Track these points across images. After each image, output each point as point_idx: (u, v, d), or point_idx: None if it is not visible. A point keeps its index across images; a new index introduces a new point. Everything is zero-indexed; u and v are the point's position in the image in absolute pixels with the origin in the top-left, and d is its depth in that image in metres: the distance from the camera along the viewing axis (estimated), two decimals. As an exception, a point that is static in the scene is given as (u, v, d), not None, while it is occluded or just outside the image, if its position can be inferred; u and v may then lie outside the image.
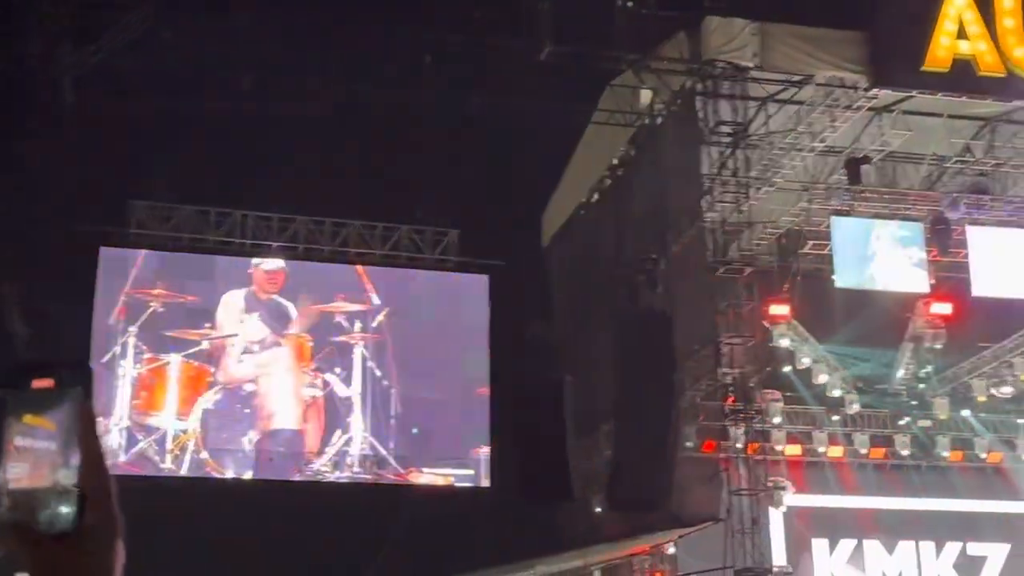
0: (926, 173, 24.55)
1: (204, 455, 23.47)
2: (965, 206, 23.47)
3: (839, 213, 23.07)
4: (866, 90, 21.23)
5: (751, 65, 21.16)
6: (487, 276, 25.05)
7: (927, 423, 25.69)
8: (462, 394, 24.67)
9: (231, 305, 24.20)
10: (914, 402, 25.66)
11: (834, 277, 22.85)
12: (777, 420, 23.79)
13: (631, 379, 20.66)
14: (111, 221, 23.70)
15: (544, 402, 21.35)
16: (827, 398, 25.06)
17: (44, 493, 1.46)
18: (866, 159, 22.67)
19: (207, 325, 24.04)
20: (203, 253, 24.20)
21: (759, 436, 21.19)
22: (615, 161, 25.32)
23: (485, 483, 24.31)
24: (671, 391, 20.89)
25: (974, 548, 25.42)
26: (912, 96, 21.81)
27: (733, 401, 21.11)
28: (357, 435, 24.20)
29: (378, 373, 24.48)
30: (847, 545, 24.84)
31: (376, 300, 24.79)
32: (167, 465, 23.33)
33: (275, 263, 24.47)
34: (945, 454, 25.62)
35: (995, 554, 25.53)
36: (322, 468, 24.10)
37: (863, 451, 25.46)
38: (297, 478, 24.04)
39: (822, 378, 24.70)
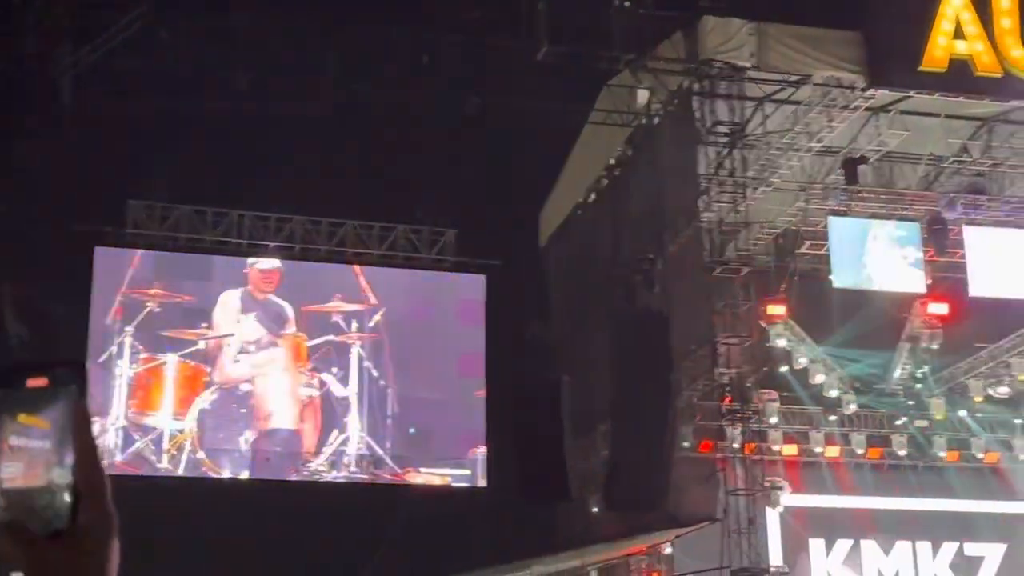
0: (923, 173, 24.56)
1: (200, 455, 23.47)
2: (962, 206, 23.48)
3: (836, 213, 23.08)
4: (863, 90, 21.23)
5: (748, 65, 21.16)
6: (484, 276, 25.07)
7: (924, 423, 25.71)
8: (459, 394, 24.68)
9: (227, 305, 24.21)
10: (911, 402, 25.68)
11: (831, 277, 22.86)
12: (774, 420, 23.81)
13: (628, 379, 20.66)
14: (108, 221, 23.71)
15: (541, 402, 21.36)
16: (824, 398, 25.07)
17: (39, 492, 1.46)
18: (863, 159, 22.67)
19: (204, 325, 24.05)
20: (200, 253, 24.21)
21: (756, 436, 21.20)
22: (612, 161, 25.31)
23: (482, 483, 24.33)
24: (668, 391, 20.90)
25: (971, 548, 25.44)
26: (909, 96, 21.82)
27: (730, 401, 21.12)
28: (354, 435, 24.20)
29: (375, 373, 24.49)
30: (844, 545, 24.85)
31: (373, 300, 24.79)
32: (163, 465, 23.34)
33: (270, 262, 24.47)
34: (942, 454, 25.63)
35: (992, 554, 25.55)
36: (319, 468, 24.10)
37: (860, 451, 25.47)
38: (294, 478, 24.04)
39: (819, 378, 24.72)
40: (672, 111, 22.75)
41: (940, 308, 24.22)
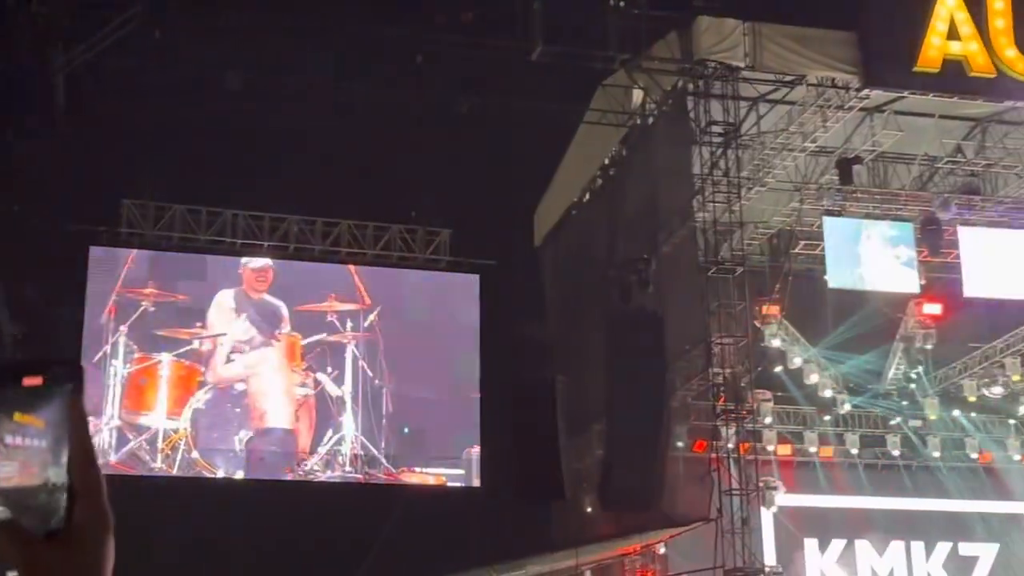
0: (917, 173, 24.59)
1: (195, 455, 23.46)
2: (956, 206, 23.50)
3: (831, 213, 23.09)
4: (857, 90, 21.25)
5: (742, 65, 21.17)
6: (478, 276, 25.08)
7: (918, 423, 25.75)
8: (454, 394, 24.69)
9: (222, 304, 24.19)
10: (905, 402, 25.71)
11: (826, 277, 22.88)
12: (768, 420, 23.84)
13: (622, 379, 20.67)
14: (102, 220, 23.69)
15: (536, 402, 21.35)
16: (818, 398, 25.11)
17: (34, 491, 1.46)
18: (857, 159, 22.69)
19: (198, 324, 24.03)
20: (194, 252, 24.19)
21: (750, 436, 21.19)
22: (607, 161, 25.32)
23: (476, 483, 24.33)
24: (662, 391, 20.91)
25: (965, 548, 25.49)
26: (903, 96, 21.84)
27: (724, 401, 21.12)
28: (349, 435, 24.19)
29: (370, 373, 24.49)
30: (838, 545, 24.89)
31: (368, 300, 24.79)
32: (158, 465, 23.31)
33: (262, 261, 24.45)
34: (936, 454, 25.68)
35: (985, 554, 25.59)
36: (313, 468, 24.10)
37: (854, 451, 25.52)
38: (288, 478, 24.03)
39: (813, 378, 24.76)
40: (667, 111, 22.76)
41: (934, 308, 24.26)
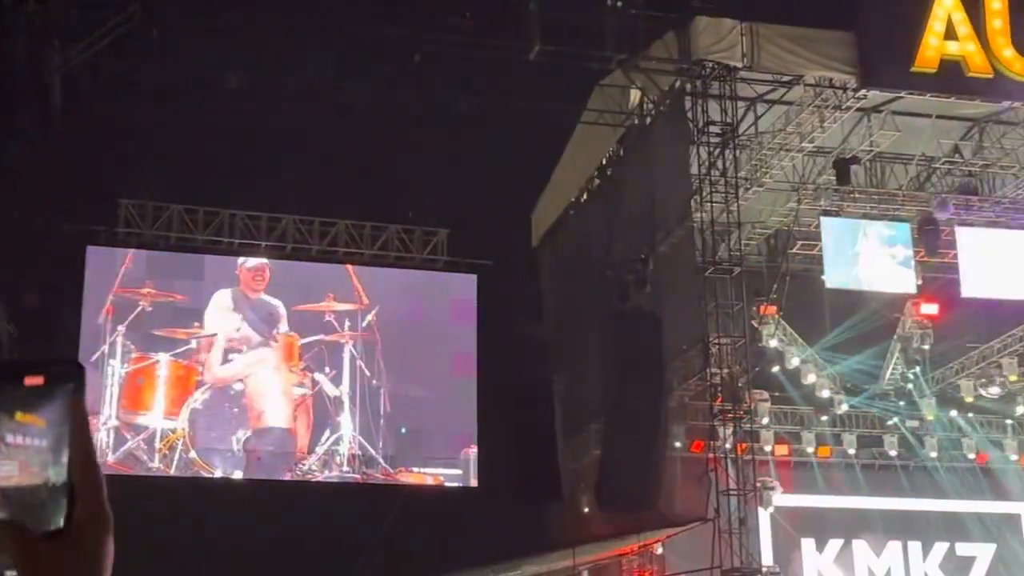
0: (915, 174, 24.62)
1: (192, 455, 23.45)
2: (954, 207, 23.52)
3: (828, 213, 23.10)
4: (855, 91, 21.26)
5: (740, 65, 21.18)
6: (476, 276, 25.07)
7: (915, 423, 25.76)
8: (451, 394, 24.67)
9: (219, 304, 24.18)
10: (902, 402, 25.72)
11: (824, 278, 22.89)
12: (765, 420, 23.85)
13: (620, 379, 20.68)
14: (100, 220, 23.66)
15: (533, 402, 21.39)
16: (815, 398, 25.12)
17: (34, 490, 1.46)
18: (855, 159, 22.72)
19: (195, 324, 24.02)
20: (192, 252, 24.18)
21: (747, 436, 21.20)
22: (604, 161, 25.34)
23: (474, 483, 24.32)
24: (660, 391, 20.93)
25: (962, 548, 25.51)
26: (901, 97, 21.86)
27: (721, 401, 21.13)
28: (346, 434, 24.19)
29: (367, 372, 24.48)
30: (835, 545, 24.91)
31: (366, 300, 24.78)
32: (155, 464, 23.30)
33: (258, 260, 24.44)
34: (933, 454, 25.69)
35: (982, 554, 25.61)
36: (311, 468, 24.09)
37: (851, 451, 25.53)
38: (286, 478, 24.03)
39: (810, 378, 24.77)
40: (664, 111, 22.77)
41: (931, 308, 24.27)
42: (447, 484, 24.42)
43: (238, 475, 23.75)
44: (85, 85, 20.60)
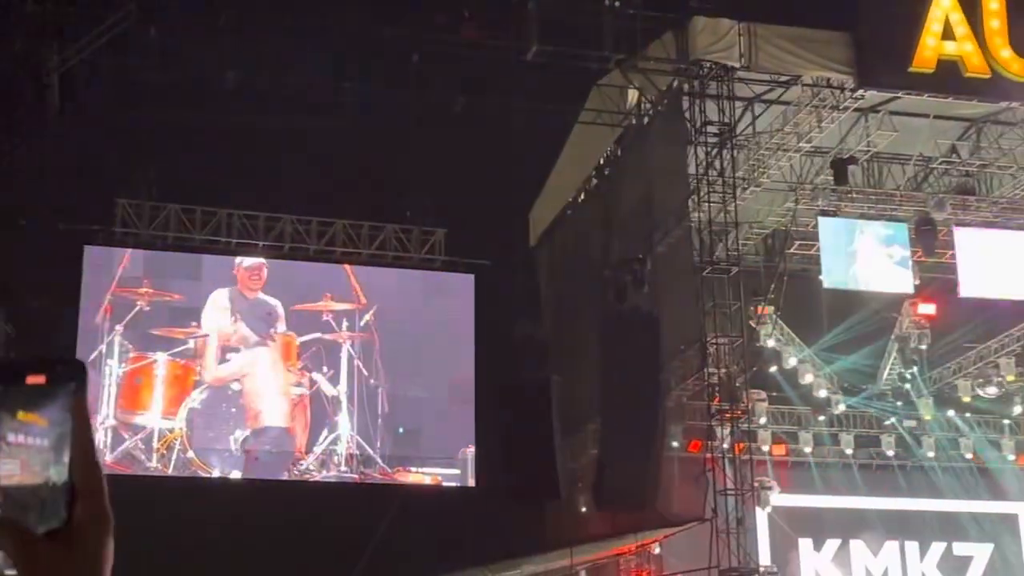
0: (912, 174, 24.63)
1: (190, 454, 23.44)
2: (951, 207, 23.54)
3: (825, 213, 23.12)
4: (853, 91, 21.27)
5: (738, 65, 21.19)
6: (473, 276, 25.07)
7: (912, 423, 25.77)
8: (449, 394, 24.68)
9: (217, 304, 24.17)
10: (899, 402, 25.74)
11: (821, 277, 22.90)
12: (763, 420, 23.85)
13: (617, 378, 20.67)
14: (97, 220, 23.65)
15: (531, 402, 21.35)
16: (813, 398, 25.13)
17: (35, 489, 1.46)
18: (852, 159, 22.73)
19: (193, 324, 24.01)
20: (189, 252, 24.16)
21: (745, 436, 21.21)
22: (602, 161, 25.34)
23: (472, 482, 24.32)
24: (657, 391, 20.92)
25: (959, 548, 25.52)
26: (898, 97, 21.87)
27: (719, 401, 21.14)
28: (344, 434, 24.19)
29: (365, 372, 24.47)
30: (832, 545, 24.91)
31: (363, 299, 24.78)
32: (153, 464, 23.29)
33: (255, 260, 24.43)
34: (930, 454, 25.70)
35: (979, 554, 25.62)
36: (309, 467, 24.09)
37: (848, 451, 25.54)
38: (284, 477, 24.02)
39: (808, 378, 24.78)
40: (662, 111, 22.77)
41: (929, 308, 24.28)
42: (445, 484, 24.42)
43: (236, 475, 23.74)
44: (83, 84, 20.59)
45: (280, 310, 24.40)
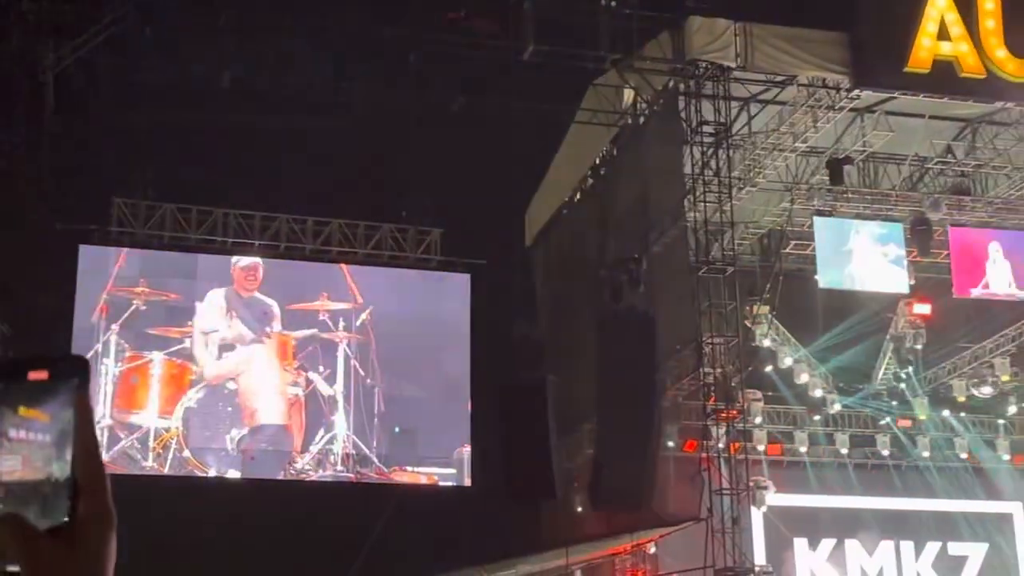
0: (907, 174, 24.65)
1: (186, 454, 23.42)
2: (946, 207, 23.56)
3: (821, 213, 23.14)
4: (848, 91, 21.28)
5: (734, 65, 21.19)
6: (469, 275, 25.07)
7: (907, 423, 25.80)
8: (445, 393, 24.67)
9: (213, 303, 24.16)
10: (895, 402, 25.76)
11: (817, 277, 22.92)
12: (758, 420, 23.87)
13: (613, 378, 20.67)
14: (93, 219, 23.63)
15: (527, 401, 21.33)
16: (808, 398, 25.15)
17: (37, 485, 1.46)
18: (848, 159, 22.74)
19: (189, 323, 23.99)
20: (185, 251, 24.15)
21: (740, 436, 21.21)
22: (598, 160, 25.34)
23: (468, 482, 24.32)
24: (653, 390, 20.90)
25: (954, 548, 25.55)
26: (894, 97, 21.88)
27: (714, 401, 21.15)
28: (340, 434, 24.18)
29: (361, 372, 24.47)
30: (827, 544, 24.93)
31: (360, 299, 24.77)
32: (149, 464, 23.27)
33: (251, 259, 24.42)
34: (925, 454, 25.73)
35: (975, 554, 25.65)
36: (305, 467, 24.07)
37: (844, 451, 25.56)
38: (280, 476, 24.00)
39: (803, 378, 24.80)
40: (658, 111, 22.77)
41: (924, 308, 24.31)
42: (441, 483, 24.42)
43: (232, 474, 23.73)
44: (78, 83, 20.57)
45: (276, 309, 24.39)
